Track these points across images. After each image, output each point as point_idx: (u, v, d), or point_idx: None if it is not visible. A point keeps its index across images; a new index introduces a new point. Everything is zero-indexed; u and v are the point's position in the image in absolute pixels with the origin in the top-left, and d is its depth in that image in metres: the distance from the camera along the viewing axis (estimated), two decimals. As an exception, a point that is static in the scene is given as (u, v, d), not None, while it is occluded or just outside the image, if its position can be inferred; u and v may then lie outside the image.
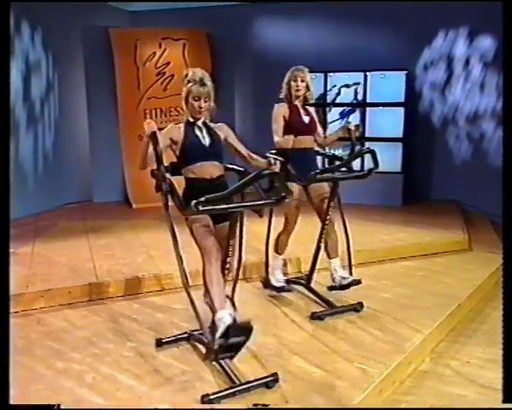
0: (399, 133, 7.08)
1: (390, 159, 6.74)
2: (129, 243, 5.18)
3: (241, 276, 4.37)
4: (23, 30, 6.42)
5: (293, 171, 3.69)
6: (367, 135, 7.16)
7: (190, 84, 2.92)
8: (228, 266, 2.79)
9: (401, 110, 7.04)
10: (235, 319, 2.61)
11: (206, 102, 2.95)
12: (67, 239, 5.41)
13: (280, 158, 3.72)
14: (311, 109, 4.05)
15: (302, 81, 3.82)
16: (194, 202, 2.41)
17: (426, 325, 3.51)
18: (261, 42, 8.01)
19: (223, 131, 3.11)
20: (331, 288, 3.90)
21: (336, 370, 2.93)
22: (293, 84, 3.84)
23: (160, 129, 7.83)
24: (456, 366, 3.26)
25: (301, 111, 3.89)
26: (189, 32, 7.40)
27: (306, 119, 3.89)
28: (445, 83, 7.34)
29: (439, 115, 7.43)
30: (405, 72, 7.02)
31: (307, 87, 3.86)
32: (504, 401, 2.52)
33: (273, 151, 3.80)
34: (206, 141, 2.98)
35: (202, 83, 2.92)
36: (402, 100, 7.03)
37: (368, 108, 7.24)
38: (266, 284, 4.09)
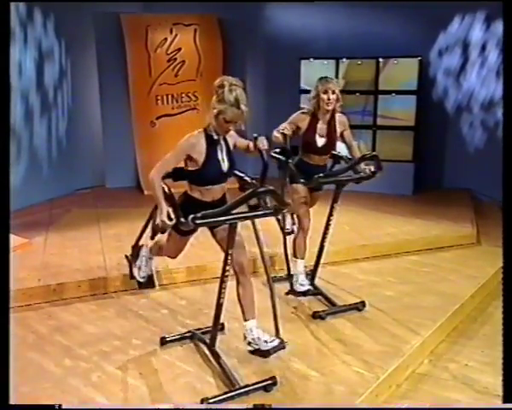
0: (411, 121, 7.00)
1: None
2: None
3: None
4: (35, 17, 6.45)
5: (297, 172, 3.70)
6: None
7: (225, 106, 2.69)
8: (227, 273, 2.85)
9: (413, 98, 6.95)
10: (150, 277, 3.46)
11: (236, 123, 2.78)
12: (80, 228, 5.53)
13: (282, 157, 3.76)
14: (340, 122, 3.82)
15: (333, 93, 3.64)
16: (191, 216, 2.46)
17: (426, 327, 3.55)
18: (273, 26, 7.91)
19: (232, 136, 2.98)
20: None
21: (334, 373, 3.00)
22: (323, 96, 3.63)
23: (170, 115, 7.67)
24: (454, 369, 3.30)
25: (320, 130, 3.73)
26: (200, 18, 7.36)
27: (321, 141, 3.75)
28: (460, 69, 7.20)
29: (452, 103, 7.32)
30: (418, 58, 6.89)
31: (337, 99, 3.69)
32: (504, 402, 2.56)
33: (277, 150, 3.82)
34: (225, 165, 2.87)
35: (238, 106, 2.69)
36: (415, 87, 6.92)
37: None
38: (290, 291, 4.00)
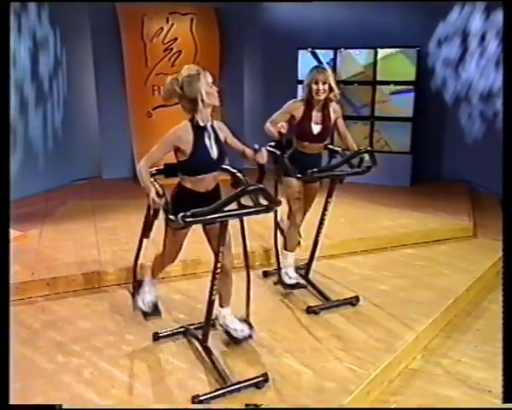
0: (409, 112, 6.95)
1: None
2: (134, 226, 5.18)
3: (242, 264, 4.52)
4: (29, 7, 6.37)
5: (291, 166, 3.68)
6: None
7: (201, 76, 2.77)
8: (218, 270, 2.84)
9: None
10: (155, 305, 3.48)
11: (214, 94, 2.82)
12: (75, 221, 5.51)
13: (277, 151, 3.74)
14: (334, 110, 3.78)
15: (324, 84, 3.61)
16: (181, 214, 2.45)
17: (420, 322, 3.55)
18: (271, 16, 7.83)
19: (223, 131, 3.00)
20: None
21: (325, 370, 3.00)
22: (314, 87, 3.62)
23: (167, 105, 7.65)
24: (446, 365, 3.30)
25: (315, 118, 3.71)
26: (196, 7, 7.25)
27: (317, 128, 3.72)
28: (459, 59, 7.13)
29: (451, 93, 7.26)
30: (417, 48, 6.83)
31: (330, 88, 3.65)
32: (504, 402, 2.56)
33: (272, 143, 3.80)
34: (215, 153, 2.86)
35: (204, 71, 2.81)
36: (413, 78, 6.87)
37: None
38: (279, 281, 4.02)
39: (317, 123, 3.73)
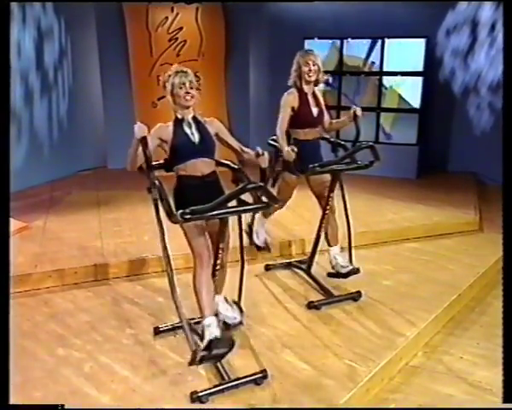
0: (416, 103, 6.86)
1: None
2: (137, 218, 5.26)
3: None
4: (34, -4, 6.35)
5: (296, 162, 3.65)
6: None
7: (171, 77, 2.91)
8: (218, 267, 2.83)
9: (419, 79, 6.80)
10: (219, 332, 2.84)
11: (191, 88, 2.90)
12: (79, 212, 5.53)
13: (279, 145, 3.72)
14: (319, 94, 3.87)
15: (314, 65, 3.65)
16: (180, 211, 2.44)
17: (422, 318, 3.52)
18: (277, 5, 7.72)
19: (214, 126, 3.05)
20: (330, 275, 3.94)
21: (325, 367, 2.99)
22: (305, 69, 3.66)
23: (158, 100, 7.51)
24: (448, 362, 3.28)
25: (311, 101, 3.76)
26: (202, -2, 7.20)
27: (315, 110, 3.77)
28: (467, 49, 7.01)
29: (459, 84, 7.14)
30: (425, 39, 6.72)
31: (319, 70, 3.70)
32: (504, 401, 2.54)
33: (274, 138, 3.79)
34: (196, 138, 2.93)
35: (184, 72, 2.92)
36: (421, 69, 6.77)
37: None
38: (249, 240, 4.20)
39: (314, 106, 3.77)
